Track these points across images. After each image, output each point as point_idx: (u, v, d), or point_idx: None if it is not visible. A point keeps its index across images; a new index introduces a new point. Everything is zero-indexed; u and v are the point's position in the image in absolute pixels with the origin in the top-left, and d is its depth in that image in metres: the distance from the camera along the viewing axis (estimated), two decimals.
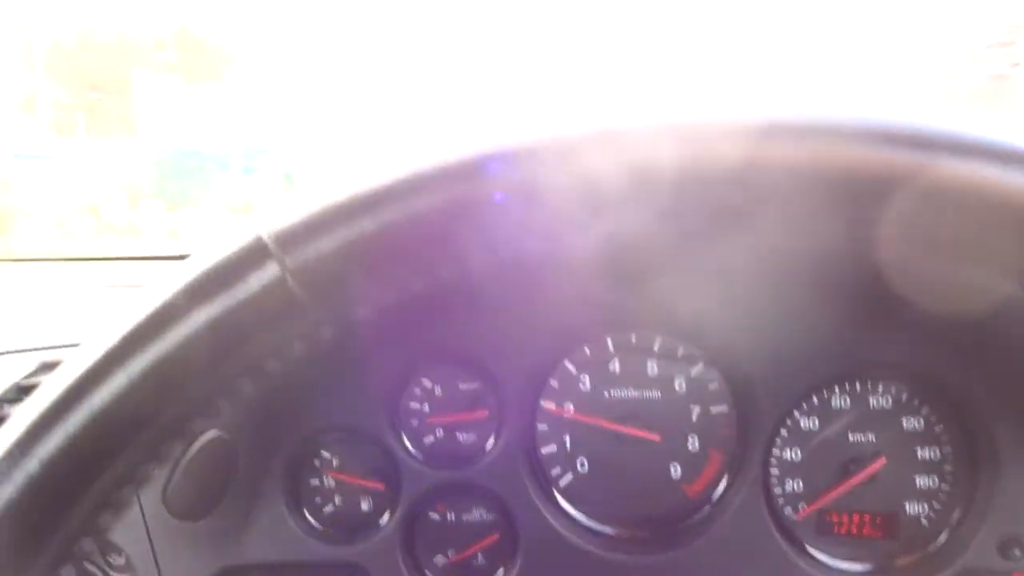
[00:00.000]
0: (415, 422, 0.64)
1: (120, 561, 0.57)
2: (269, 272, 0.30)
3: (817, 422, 0.61)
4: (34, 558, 0.30)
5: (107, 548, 0.57)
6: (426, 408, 0.64)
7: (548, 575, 0.62)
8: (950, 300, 0.33)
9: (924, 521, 0.60)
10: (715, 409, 0.62)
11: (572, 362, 0.63)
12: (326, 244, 0.30)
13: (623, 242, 0.29)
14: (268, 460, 0.62)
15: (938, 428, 0.60)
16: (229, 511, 0.58)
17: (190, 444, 0.50)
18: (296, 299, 0.30)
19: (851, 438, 0.60)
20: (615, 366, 0.63)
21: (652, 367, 0.63)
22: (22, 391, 0.64)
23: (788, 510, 0.61)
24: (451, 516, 0.64)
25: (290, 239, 0.30)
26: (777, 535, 0.60)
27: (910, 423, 0.60)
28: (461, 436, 0.64)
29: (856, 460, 0.60)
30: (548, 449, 0.63)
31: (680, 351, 0.62)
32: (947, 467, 0.60)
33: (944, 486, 0.60)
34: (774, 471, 0.61)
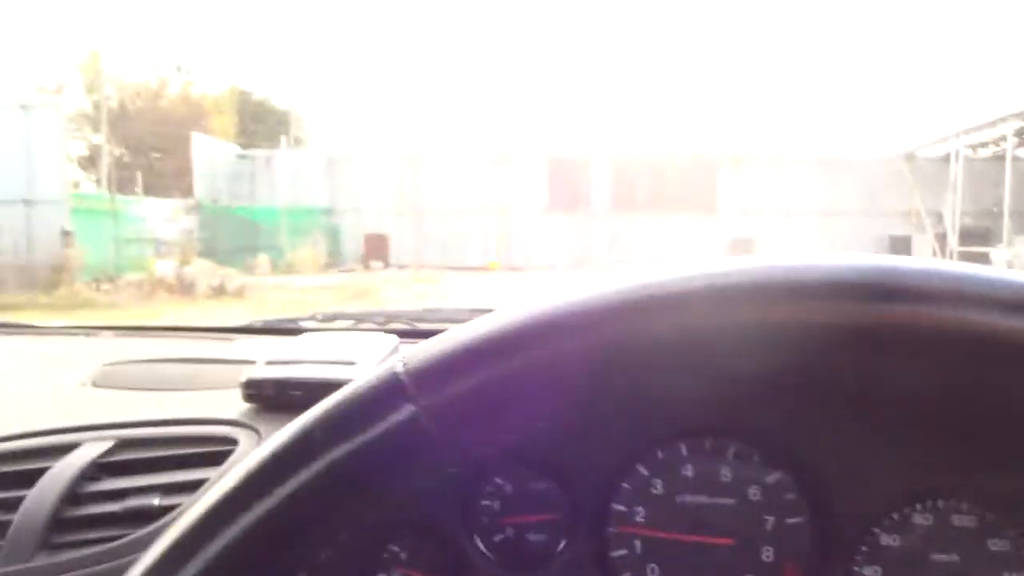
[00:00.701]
0: (485, 519, 0.63)
1: None
2: (405, 412, 0.31)
3: (898, 539, 0.59)
4: None
5: None
6: (497, 506, 0.63)
7: None
8: None
9: None
10: (791, 520, 0.61)
11: (645, 466, 0.63)
12: (461, 385, 0.30)
13: (717, 371, 0.32)
14: (341, 552, 0.62)
15: None
16: None
17: None
18: (428, 438, 0.31)
19: (934, 557, 0.58)
20: (688, 471, 0.62)
21: (726, 473, 0.62)
22: (102, 469, 0.64)
23: None
24: None
25: (426, 379, 0.31)
26: None
27: (996, 544, 0.58)
28: (532, 536, 0.63)
29: None
30: (619, 553, 0.62)
31: (756, 458, 0.62)
32: None
33: None
34: None
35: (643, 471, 0.63)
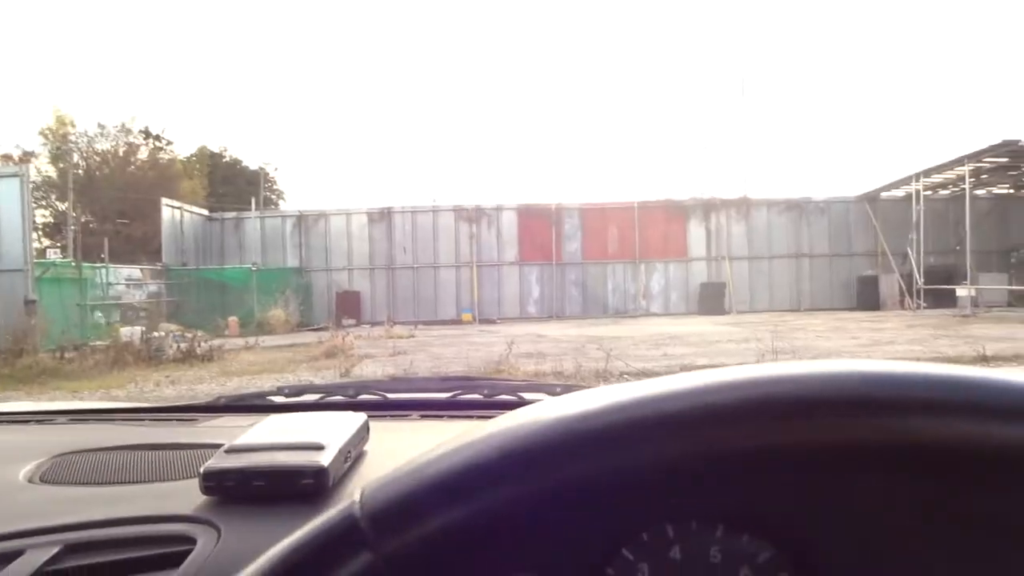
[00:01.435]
0: None
1: None
2: (362, 561, 0.28)
3: None
4: None
5: None
6: None
7: None
8: None
9: None
10: None
11: (630, 550, 0.58)
12: (425, 528, 0.28)
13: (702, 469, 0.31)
14: None
15: None
16: None
17: None
18: None
19: None
20: (676, 553, 0.58)
21: (715, 554, 0.57)
22: None
23: None
24: None
25: (385, 522, 0.28)
26: None
27: None
28: None
29: None
30: None
31: (745, 537, 0.57)
32: None
33: None
34: None
35: (628, 556, 0.58)
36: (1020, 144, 15.90)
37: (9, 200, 11.65)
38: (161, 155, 32.35)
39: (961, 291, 17.28)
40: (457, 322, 20.34)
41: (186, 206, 21.51)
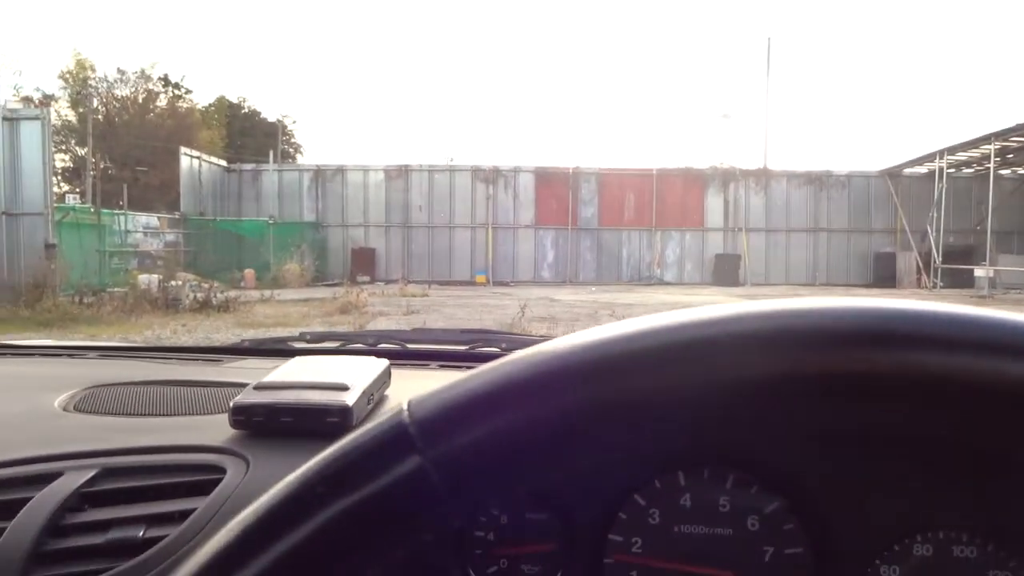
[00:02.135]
0: (479, 551, 0.62)
1: None
2: (410, 464, 0.30)
3: (898, 570, 0.58)
4: None
5: None
6: (491, 537, 0.62)
7: None
8: None
9: None
10: (790, 550, 0.59)
11: (642, 496, 0.61)
12: (469, 436, 0.29)
13: (715, 410, 0.32)
14: None
15: None
16: None
17: None
18: (433, 491, 0.30)
19: None
20: (686, 501, 0.61)
21: (725, 503, 0.60)
22: (85, 499, 0.62)
23: None
24: None
25: (433, 429, 0.30)
26: None
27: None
28: (526, 568, 0.61)
29: None
30: None
31: (754, 488, 0.60)
32: None
33: None
34: None
35: (640, 501, 0.61)
36: None
37: (30, 143, 11.69)
38: (180, 104, 32.26)
39: (979, 271, 17.13)
40: (471, 283, 20.39)
41: (205, 156, 21.54)
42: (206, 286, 12.45)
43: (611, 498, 0.61)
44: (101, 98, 30.58)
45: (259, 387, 0.71)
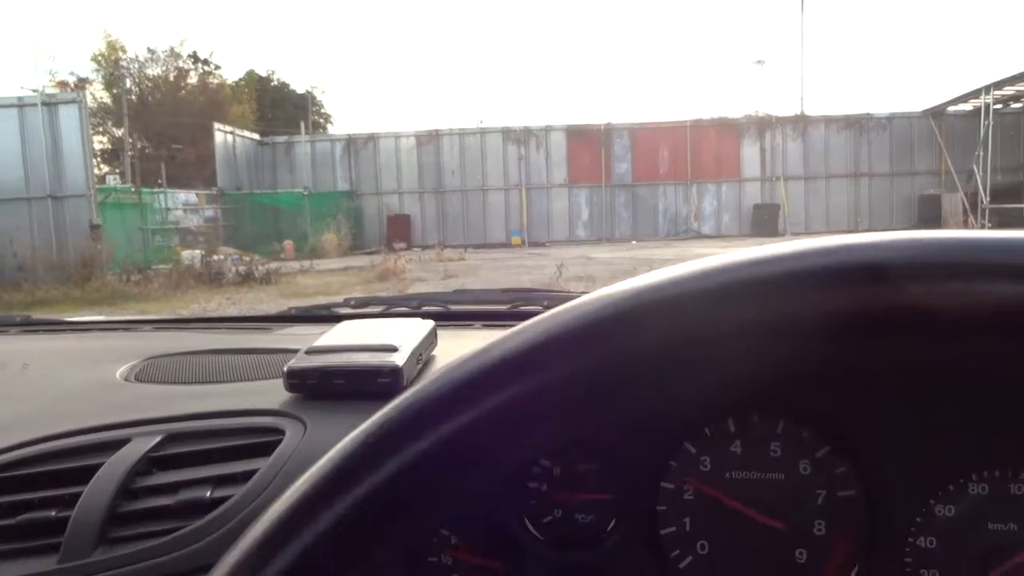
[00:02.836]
0: (534, 501, 0.63)
1: None
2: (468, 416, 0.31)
3: (953, 510, 0.58)
4: None
5: None
6: (545, 488, 0.63)
7: None
8: None
9: None
10: (843, 493, 0.59)
11: (693, 443, 0.62)
12: (526, 385, 0.30)
13: (760, 355, 0.31)
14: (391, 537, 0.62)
15: None
16: None
17: None
18: (493, 436, 0.31)
19: (991, 527, 0.57)
20: (737, 447, 0.61)
21: (775, 449, 0.61)
22: (153, 463, 0.65)
23: None
24: None
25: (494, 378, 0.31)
26: None
27: None
28: (581, 517, 0.62)
29: (997, 550, 0.56)
30: (668, 531, 0.61)
31: (805, 433, 0.60)
32: None
33: None
34: (908, 560, 0.58)
35: (691, 449, 0.62)
36: None
37: (69, 127, 11.91)
38: (210, 80, 32.42)
39: None
40: (506, 245, 20.39)
41: (238, 131, 21.71)
42: (247, 259, 12.65)
43: (662, 447, 0.61)
44: (133, 78, 30.88)
45: (311, 351, 0.73)
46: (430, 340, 0.81)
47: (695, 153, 21.29)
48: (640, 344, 0.30)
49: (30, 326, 1.28)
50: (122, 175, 21.40)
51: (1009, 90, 18.48)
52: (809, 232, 20.53)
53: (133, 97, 29.51)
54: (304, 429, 0.66)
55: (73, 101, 12.17)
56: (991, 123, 17.82)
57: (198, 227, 18.06)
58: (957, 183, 19.51)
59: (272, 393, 0.73)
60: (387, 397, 0.64)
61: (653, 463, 0.61)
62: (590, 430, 0.31)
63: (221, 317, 1.37)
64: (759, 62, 29.98)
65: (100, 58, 30.50)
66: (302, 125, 23.00)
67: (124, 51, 30.66)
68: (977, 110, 19.02)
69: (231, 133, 20.90)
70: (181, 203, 18.45)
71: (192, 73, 32.25)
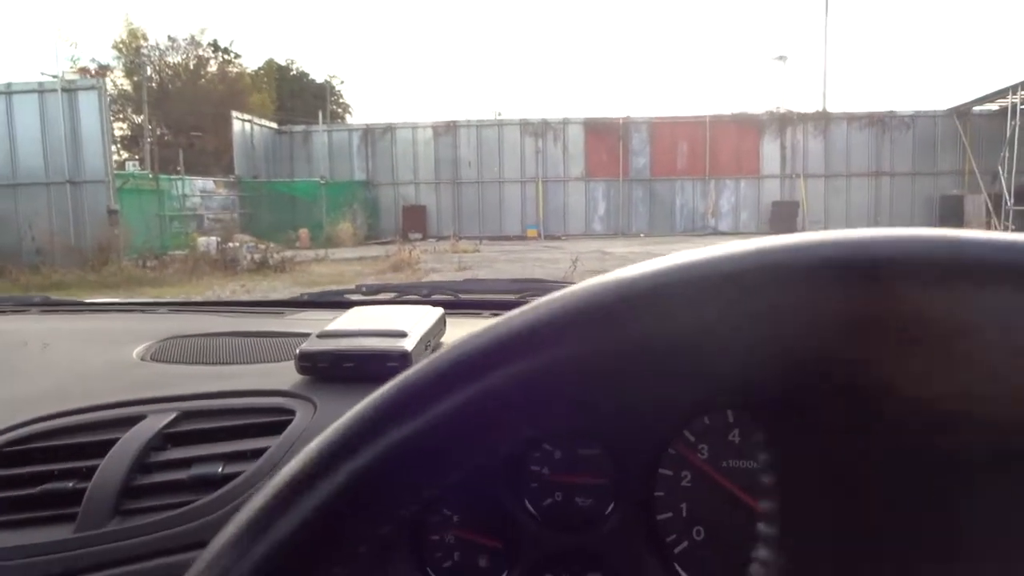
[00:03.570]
0: (535, 484, 0.64)
1: None
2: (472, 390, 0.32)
3: None
4: None
5: None
6: (546, 471, 0.64)
7: None
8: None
9: None
10: None
11: (691, 431, 0.61)
12: (544, 357, 0.30)
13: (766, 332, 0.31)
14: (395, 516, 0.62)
15: None
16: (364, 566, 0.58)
17: None
18: (512, 406, 0.31)
19: None
20: (735, 437, 0.60)
21: None
22: (167, 439, 0.68)
23: None
24: None
25: (525, 344, 0.31)
26: None
27: None
28: (580, 500, 0.63)
29: None
30: (665, 516, 0.62)
31: None
32: None
33: None
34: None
35: (690, 437, 0.61)
36: None
37: (88, 113, 11.98)
38: (230, 69, 32.60)
39: None
40: (522, 238, 20.36)
41: (256, 119, 21.80)
42: (262, 247, 12.70)
43: (661, 434, 0.60)
44: (154, 66, 31.10)
45: (322, 335, 0.74)
46: (439, 327, 0.82)
47: (714, 149, 21.14)
48: (631, 332, 0.30)
49: (49, 306, 1.31)
50: (141, 161, 21.57)
51: None
52: (829, 229, 20.29)
53: (153, 85, 29.71)
54: (314, 410, 0.68)
55: (93, 87, 12.23)
56: (1018, 123, 17.53)
57: (215, 214, 18.16)
58: (981, 184, 19.23)
59: (284, 375, 0.75)
60: None
61: (652, 450, 0.61)
62: (588, 417, 0.32)
63: (235, 301, 1.47)
64: (781, 58, 29.67)
65: (121, 46, 30.75)
66: (319, 114, 23.06)
67: (145, 39, 30.89)
68: (1004, 110, 18.74)
69: (249, 121, 20.99)
70: (199, 190, 18.56)
71: (212, 62, 32.47)
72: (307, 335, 0.77)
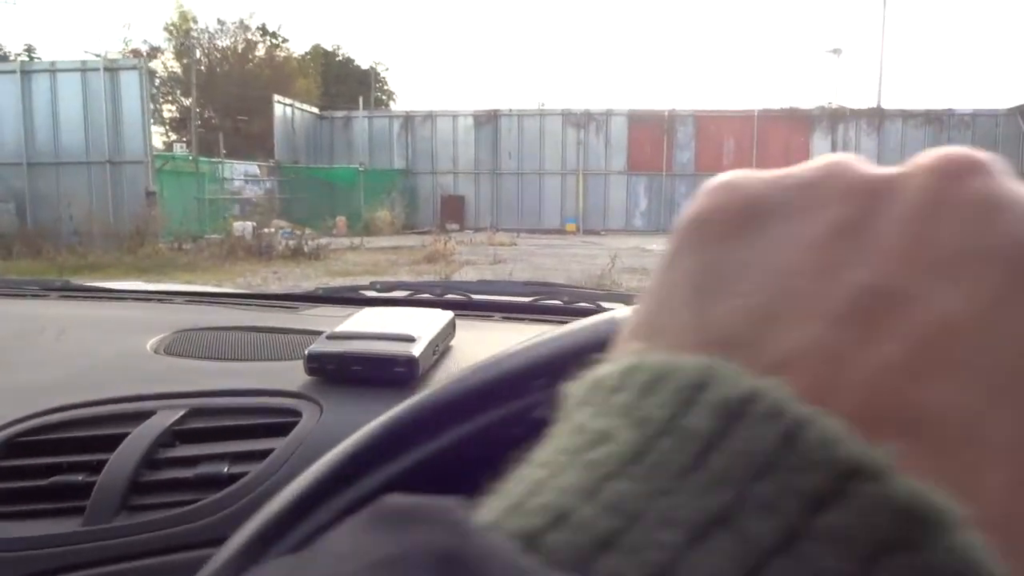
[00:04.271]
0: None
1: None
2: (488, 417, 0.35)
3: None
4: None
5: None
6: None
7: None
8: None
9: None
10: None
11: None
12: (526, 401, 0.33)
13: None
14: None
15: None
16: None
17: None
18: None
19: None
20: None
21: None
22: (175, 436, 0.68)
23: None
24: None
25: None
26: None
27: None
28: None
29: None
30: None
31: None
32: None
33: None
34: None
35: None
36: None
37: (130, 93, 12.01)
38: (277, 53, 32.77)
39: None
40: (560, 232, 20.05)
41: (298, 104, 21.81)
42: (298, 233, 12.63)
43: None
44: (203, 49, 31.41)
45: (331, 336, 0.75)
46: (448, 331, 0.83)
47: (762, 144, 20.53)
48: None
49: (69, 291, 1.35)
50: (188, 144, 21.76)
51: None
52: None
53: (202, 68, 30.00)
54: (320, 412, 0.68)
55: (134, 68, 12.25)
56: None
57: (257, 197, 18.20)
58: None
59: (292, 374, 0.75)
60: (402, 385, 0.68)
61: None
62: None
63: (250, 293, 1.48)
64: (835, 51, 28.74)
65: (172, 28, 31.11)
66: (360, 100, 22.99)
67: (195, 22, 31.21)
68: None
69: (290, 106, 21.00)
70: (240, 174, 18.62)
71: (260, 46, 32.68)
72: (318, 333, 0.79)
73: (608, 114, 21.17)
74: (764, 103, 21.15)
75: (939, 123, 20.13)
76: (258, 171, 19.53)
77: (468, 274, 9.06)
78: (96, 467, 0.64)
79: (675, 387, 0.14)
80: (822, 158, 0.20)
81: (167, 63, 30.38)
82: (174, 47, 30.96)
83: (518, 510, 0.14)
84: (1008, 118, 19.77)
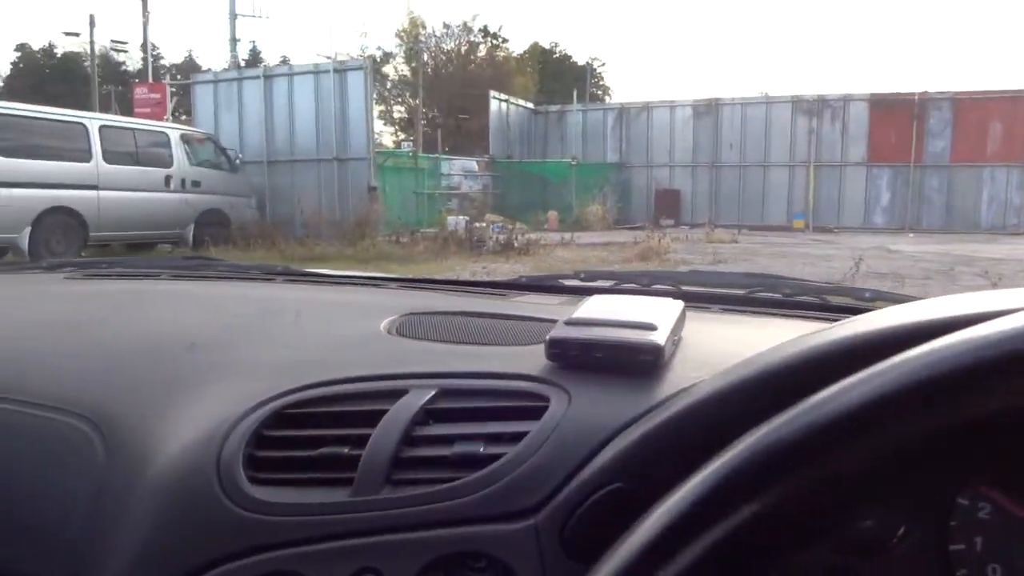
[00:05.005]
0: None
1: None
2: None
3: None
4: None
5: None
6: None
7: None
8: None
9: None
10: None
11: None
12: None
13: None
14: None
15: None
16: None
17: None
18: None
19: None
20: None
21: None
22: (429, 415, 0.68)
23: None
24: None
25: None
26: None
27: None
28: (868, 522, 0.59)
29: None
30: (957, 547, 0.57)
31: None
32: None
33: None
34: None
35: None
36: None
37: (355, 92, 12.55)
38: (497, 53, 33.66)
39: None
40: (786, 229, 18.44)
41: (512, 99, 22.02)
42: (509, 227, 12.54)
43: (965, 461, 0.54)
44: (430, 52, 33.00)
45: (570, 323, 0.74)
46: (682, 321, 0.80)
47: None
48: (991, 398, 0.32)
49: (290, 276, 1.39)
50: (414, 142, 22.78)
51: None
52: None
53: (429, 70, 31.51)
54: (568, 398, 0.67)
55: (359, 68, 12.78)
56: None
57: (474, 192, 18.57)
58: None
59: (530, 359, 0.74)
60: (646, 374, 0.67)
61: (952, 476, 0.58)
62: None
63: (458, 280, 1.54)
64: None
65: (403, 34, 33.00)
66: (574, 94, 22.72)
67: (423, 27, 32.86)
68: None
69: (505, 101, 21.24)
70: (457, 169, 19.10)
71: (481, 47, 33.76)
72: (540, 319, 0.81)
73: (846, 99, 19.15)
74: None
75: None
76: (475, 166, 19.94)
77: None
78: (358, 441, 0.65)
79: None
80: None
81: (398, 67, 32.26)
82: (404, 52, 32.83)
83: None
84: None
